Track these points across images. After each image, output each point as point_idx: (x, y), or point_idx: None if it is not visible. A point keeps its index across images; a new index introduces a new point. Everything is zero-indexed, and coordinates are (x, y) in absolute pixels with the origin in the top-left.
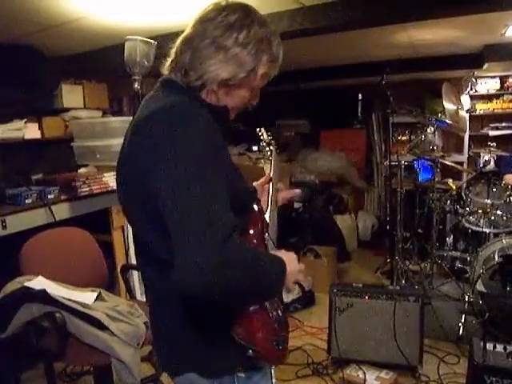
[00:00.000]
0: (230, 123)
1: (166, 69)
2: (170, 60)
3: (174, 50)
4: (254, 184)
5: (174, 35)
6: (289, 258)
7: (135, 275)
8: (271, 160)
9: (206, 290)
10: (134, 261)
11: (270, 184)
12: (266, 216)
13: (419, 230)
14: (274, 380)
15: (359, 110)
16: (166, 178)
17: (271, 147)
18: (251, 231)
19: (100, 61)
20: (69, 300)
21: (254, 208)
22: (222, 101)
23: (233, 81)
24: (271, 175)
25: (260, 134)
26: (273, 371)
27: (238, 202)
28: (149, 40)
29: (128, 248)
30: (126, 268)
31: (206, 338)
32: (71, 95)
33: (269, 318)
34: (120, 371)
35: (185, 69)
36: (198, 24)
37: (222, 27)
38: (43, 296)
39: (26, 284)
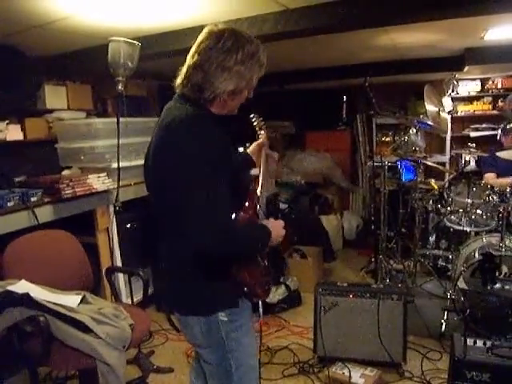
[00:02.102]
0: (230, 126)
1: (177, 85)
2: (180, 78)
3: (184, 71)
4: (252, 147)
5: (159, 36)
6: (274, 224)
7: (120, 277)
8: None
9: (215, 248)
10: (119, 263)
11: (262, 165)
12: (258, 191)
13: (402, 230)
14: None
15: (344, 111)
16: (184, 174)
17: (262, 131)
18: (247, 204)
19: (84, 61)
20: (53, 303)
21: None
22: (229, 104)
23: (237, 90)
24: (263, 143)
25: (253, 119)
26: (260, 310)
27: (242, 185)
28: (133, 41)
29: (113, 250)
30: (112, 270)
31: (200, 287)
32: (54, 96)
33: (259, 266)
34: (106, 374)
35: (198, 87)
36: (203, 52)
37: (223, 53)
38: (26, 300)
39: (9, 288)
